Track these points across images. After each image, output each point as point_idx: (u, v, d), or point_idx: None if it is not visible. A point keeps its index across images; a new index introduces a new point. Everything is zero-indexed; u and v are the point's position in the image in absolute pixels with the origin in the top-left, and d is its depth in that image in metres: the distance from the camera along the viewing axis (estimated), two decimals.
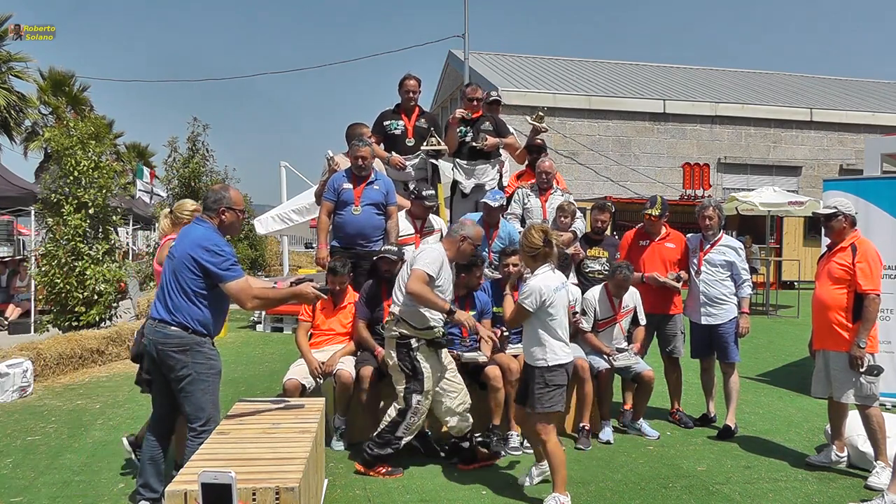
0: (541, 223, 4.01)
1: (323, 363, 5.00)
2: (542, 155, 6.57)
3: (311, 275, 5.68)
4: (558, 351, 4.00)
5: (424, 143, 6.02)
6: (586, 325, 5.43)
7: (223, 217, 3.80)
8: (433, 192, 5.66)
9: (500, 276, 5.51)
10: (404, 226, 5.63)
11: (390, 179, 5.64)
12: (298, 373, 5.04)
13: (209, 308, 3.69)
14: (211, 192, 3.88)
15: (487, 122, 6.25)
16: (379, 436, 4.49)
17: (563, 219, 5.85)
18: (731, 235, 5.87)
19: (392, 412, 4.51)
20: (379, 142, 6.11)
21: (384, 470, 4.49)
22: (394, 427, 4.45)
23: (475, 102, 6.20)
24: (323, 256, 5.45)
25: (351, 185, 5.36)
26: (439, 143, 6.02)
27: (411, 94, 6.13)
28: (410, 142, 6.09)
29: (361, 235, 5.39)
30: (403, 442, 4.47)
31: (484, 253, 5.75)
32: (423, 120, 6.18)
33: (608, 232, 6.46)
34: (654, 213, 5.64)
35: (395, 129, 6.08)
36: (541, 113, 6.51)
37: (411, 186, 6.11)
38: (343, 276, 5.21)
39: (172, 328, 3.63)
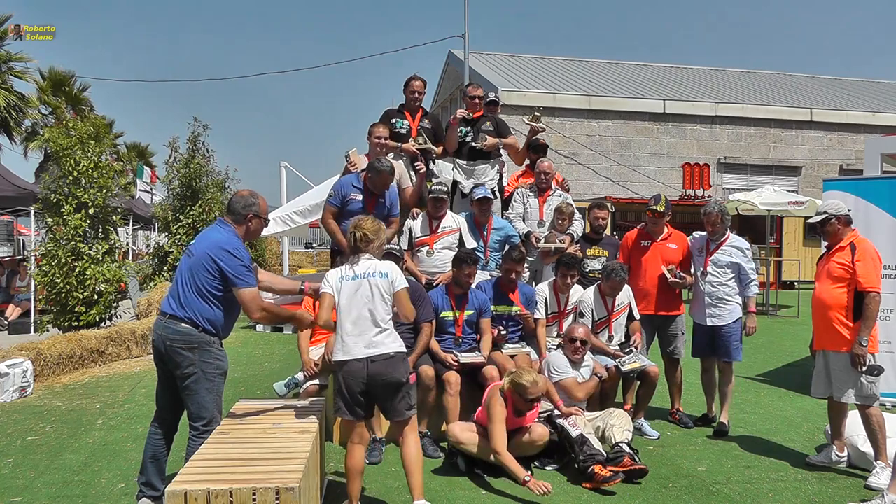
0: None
1: (317, 364, 4.93)
2: (543, 155, 6.58)
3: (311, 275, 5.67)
4: (341, 347, 3.68)
5: (412, 141, 6.04)
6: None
7: (250, 224, 3.82)
8: (441, 186, 5.66)
9: (499, 275, 5.52)
10: (419, 227, 5.64)
11: (395, 190, 5.61)
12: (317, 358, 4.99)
13: (221, 309, 3.70)
14: (240, 197, 3.86)
15: (488, 122, 6.26)
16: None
17: (560, 221, 5.86)
18: None
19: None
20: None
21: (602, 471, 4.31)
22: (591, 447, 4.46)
23: (476, 100, 6.21)
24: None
25: (361, 197, 5.31)
26: (426, 143, 6.04)
27: (416, 95, 6.19)
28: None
29: None
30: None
31: (479, 253, 5.77)
32: (426, 120, 6.23)
33: (608, 231, 6.46)
34: (658, 209, 5.61)
35: (401, 127, 6.11)
36: (536, 113, 6.53)
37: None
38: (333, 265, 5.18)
39: (183, 325, 3.65)
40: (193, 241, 3.85)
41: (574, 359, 5.05)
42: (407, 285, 3.84)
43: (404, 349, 3.81)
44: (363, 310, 3.68)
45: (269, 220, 4.03)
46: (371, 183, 5.25)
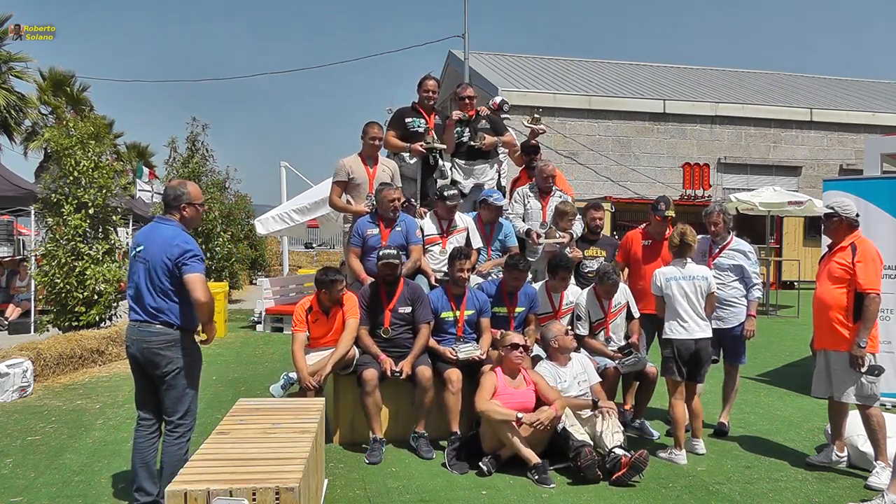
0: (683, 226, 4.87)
1: (314, 378, 4.89)
2: (536, 156, 6.58)
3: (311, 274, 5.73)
4: (674, 328, 4.89)
5: (425, 141, 6.05)
6: (582, 329, 5.43)
7: (184, 213, 3.87)
8: (455, 191, 5.72)
9: (499, 277, 5.53)
10: (429, 226, 5.73)
11: (412, 218, 5.72)
12: (313, 369, 4.99)
13: (187, 303, 3.74)
14: (170, 188, 3.93)
15: (484, 121, 6.26)
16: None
17: (565, 220, 5.86)
18: None
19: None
20: (398, 137, 6.14)
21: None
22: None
23: (466, 100, 6.22)
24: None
25: (377, 231, 5.47)
26: (434, 141, 6.07)
27: (430, 94, 6.21)
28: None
29: None
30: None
31: (483, 251, 5.79)
32: (438, 118, 6.25)
33: (606, 231, 6.46)
34: (671, 214, 5.61)
35: (418, 126, 6.11)
36: (536, 115, 6.54)
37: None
38: (333, 288, 5.07)
39: (157, 326, 3.71)
40: (141, 247, 3.80)
41: (557, 362, 5.04)
42: (715, 288, 5.00)
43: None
44: (692, 303, 4.88)
45: (202, 206, 4.02)
46: (378, 205, 5.44)
